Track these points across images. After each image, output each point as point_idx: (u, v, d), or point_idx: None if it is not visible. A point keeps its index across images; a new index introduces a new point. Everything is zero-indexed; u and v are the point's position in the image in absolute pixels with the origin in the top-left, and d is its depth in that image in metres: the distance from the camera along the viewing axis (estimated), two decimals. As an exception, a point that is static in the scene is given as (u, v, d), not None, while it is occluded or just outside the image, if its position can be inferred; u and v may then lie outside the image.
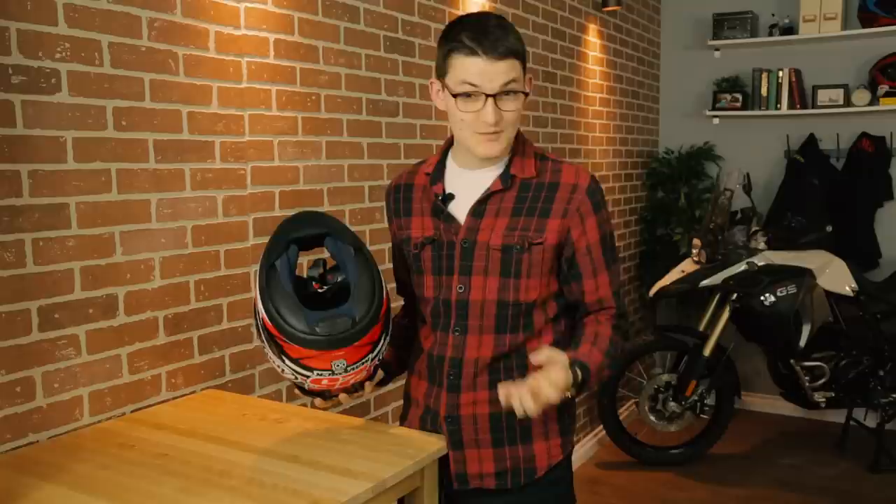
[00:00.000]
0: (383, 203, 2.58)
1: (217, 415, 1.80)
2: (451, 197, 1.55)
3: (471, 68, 1.40)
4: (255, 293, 1.42)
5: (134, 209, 1.81)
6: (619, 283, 1.59)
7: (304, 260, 1.75)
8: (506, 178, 1.52)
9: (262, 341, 1.44)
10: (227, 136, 2.04)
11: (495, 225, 1.51)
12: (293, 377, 1.44)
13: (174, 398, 1.92)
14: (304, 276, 1.50)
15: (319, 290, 1.47)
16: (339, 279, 1.46)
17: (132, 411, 1.82)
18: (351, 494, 1.35)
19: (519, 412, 1.35)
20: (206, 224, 2.00)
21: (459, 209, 1.54)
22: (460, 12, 2.96)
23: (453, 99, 1.44)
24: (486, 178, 1.53)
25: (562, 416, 1.60)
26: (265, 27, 2.14)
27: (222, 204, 2.04)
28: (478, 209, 1.52)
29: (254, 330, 1.45)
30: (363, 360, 1.42)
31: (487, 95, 1.40)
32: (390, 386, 2.60)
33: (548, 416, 1.57)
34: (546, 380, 1.34)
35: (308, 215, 1.49)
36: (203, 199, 1.98)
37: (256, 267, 2.12)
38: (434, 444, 1.55)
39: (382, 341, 1.45)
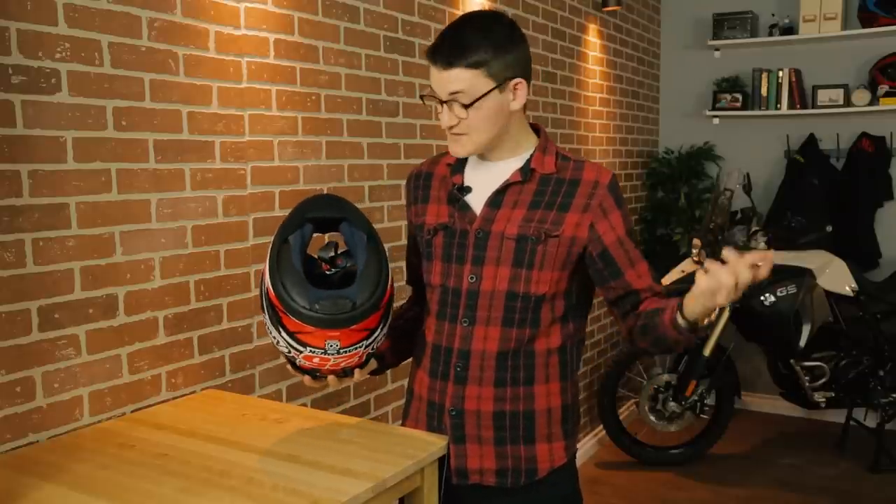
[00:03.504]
0: (384, 203, 2.60)
1: (217, 415, 1.80)
2: (468, 189, 1.58)
3: (431, 74, 1.49)
4: (265, 263, 1.44)
5: (134, 209, 1.81)
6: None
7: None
8: (525, 171, 1.55)
9: (264, 311, 1.45)
10: (227, 136, 2.04)
11: (511, 216, 1.53)
12: (286, 350, 1.45)
13: (174, 398, 1.92)
14: (316, 255, 1.51)
15: (327, 272, 1.48)
16: (348, 264, 1.48)
17: (132, 411, 1.82)
18: (351, 494, 1.35)
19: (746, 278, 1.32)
20: (206, 224, 2.00)
21: (476, 200, 1.57)
22: (460, 12, 2.96)
23: (427, 100, 1.53)
24: (506, 170, 1.56)
25: (566, 418, 1.60)
26: (265, 27, 2.14)
27: (222, 204, 2.04)
28: (495, 200, 1.55)
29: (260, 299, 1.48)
30: (356, 346, 1.43)
31: (441, 101, 1.48)
32: (390, 385, 2.61)
33: (552, 419, 1.57)
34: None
35: (328, 198, 1.52)
36: (203, 199, 1.98)
37: (256, 267, 2.13)
38: (435, 444, 1.55)
39: (379, 330, 1.46)
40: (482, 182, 1.57)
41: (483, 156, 1.59)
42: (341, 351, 1.42)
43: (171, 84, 1.88)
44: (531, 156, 1.56)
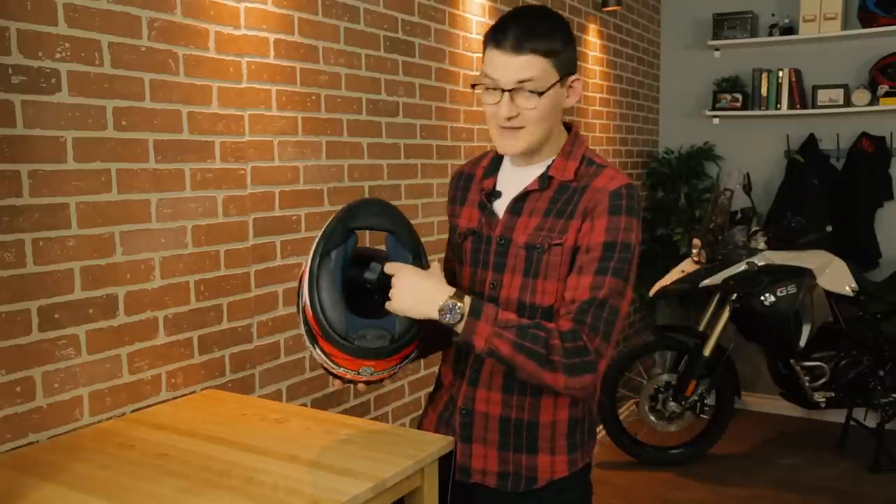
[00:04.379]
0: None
1: (217, 415, 1.80)
2: (498, 195, 1.55)
3: (493, 60, 1.40)
4: (304, 273, 1.39)
5: (134, 209, 1.81)
6: (608, 304, 1.37)
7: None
8: (543, 178, 1.50)
9: (300, 321, 1.43)
10: (227, 136, 2.04)
11: (528, 224, 1.49)
12: (321, 362, 1.44)
13: (174, 398, 1.92)
14: (363, 277, 1.45)
15: (370, 288, 1.44)
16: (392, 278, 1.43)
17: (132, 411, 1.82)
18: (351, 494, 1.35)
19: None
20: (206, 224, 2.00)
21: (502, 206, 1.54)
22: (460, 12, 2.96)
23: (480, 89, 1.44)
24: (530, 176, 1.52)
25: (573, 433, 1.56)
26: (265, 27, 2.14)
27: (222, 204, 2.04)
28: (515, 207, 1.52)
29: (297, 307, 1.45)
30: (390, 370, 1.43)
31: (504, 90, 1.40)
32: (389, 386, 2.61)
33: (556, 432, 1.54)
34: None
35: (378, 205, 1.45)
36: (203, 199, 1.98)
37: (256, 267, 2.13)
38: (434, 444, 1.55)
39: (414, 354, 1.45)
40: (512, 187, 1.53)
41: (516, 159, 1.54)
42: (374, 374, 1.42)
43: (171, 84, 1.88)
44: (552, 161, 1.51)
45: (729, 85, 4.79)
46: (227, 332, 2.07)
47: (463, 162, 2.93)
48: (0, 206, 1.54)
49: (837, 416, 4.27)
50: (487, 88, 1.42)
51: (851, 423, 4.10)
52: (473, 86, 1.46)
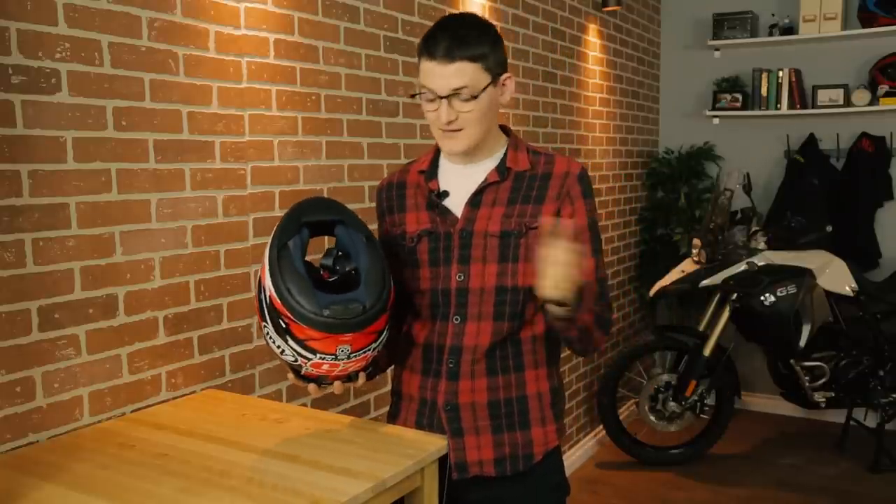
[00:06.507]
0: (383, 203, 2.60)
1: (217, 415, 1.80)
2: (445, 194, 1.60)
3: (426, 71, 1.49)
4: (264, 268, 1.41)
5: (134, 209, 1.81)
6: (605, 275, 1.60)
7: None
8: (502, 169, 1.58)
9: (265, 319, 1.43)
10: (227, 136, 2.04)
11: (492, 214, 1.56)
12: (293, 359, 1.43)
13: (174, 398, 1.92)
14: (318, 264, 1.49)
15: (327, 279, 1.47)
16: (347, 269, 1.46)
17: (132, 411, 1.82)
18: (351, 494, 1.35)
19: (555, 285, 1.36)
20: (206, 224, 2.00)
21: (454, 203, 1.59)
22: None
23: (420, 98, 1.53)
24: (479, 172, 1.59)
25: (556, 401, 1.65)
26: (265, 27, 2.14)
27: (222, 204, 2.04)
28: (475, 200, 1.57)
29: (256, 304, 1.45)
30: (366, 349, 1.43)
31: (440, 97, 1.48)
32: (390, 385, 2.61)
33: (543, 402, 1.62)
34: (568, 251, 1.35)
35: (323, 201, 1.52)
36: (203, 199, 1.98)
37: (256, 267, 2.13)
38: (434, 444, 1.55)
39: (386, 332, 1.47)
40: (458, 185, 1.60)
41: (456, 159, 1.60)
42: (352, 355, 1.41)
43: (171, 84, 1.88)
44: (504, 155, 1.59)
45: (729, 85, 4.79)
46: (227, 332, 2.07)
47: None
48: (0, 206, 1.54)
49: (837, 416, 4.28)
50: (426, 97, 1.50)
51: (851, 423, 4.11)
52: (412, 95, 1.53)
